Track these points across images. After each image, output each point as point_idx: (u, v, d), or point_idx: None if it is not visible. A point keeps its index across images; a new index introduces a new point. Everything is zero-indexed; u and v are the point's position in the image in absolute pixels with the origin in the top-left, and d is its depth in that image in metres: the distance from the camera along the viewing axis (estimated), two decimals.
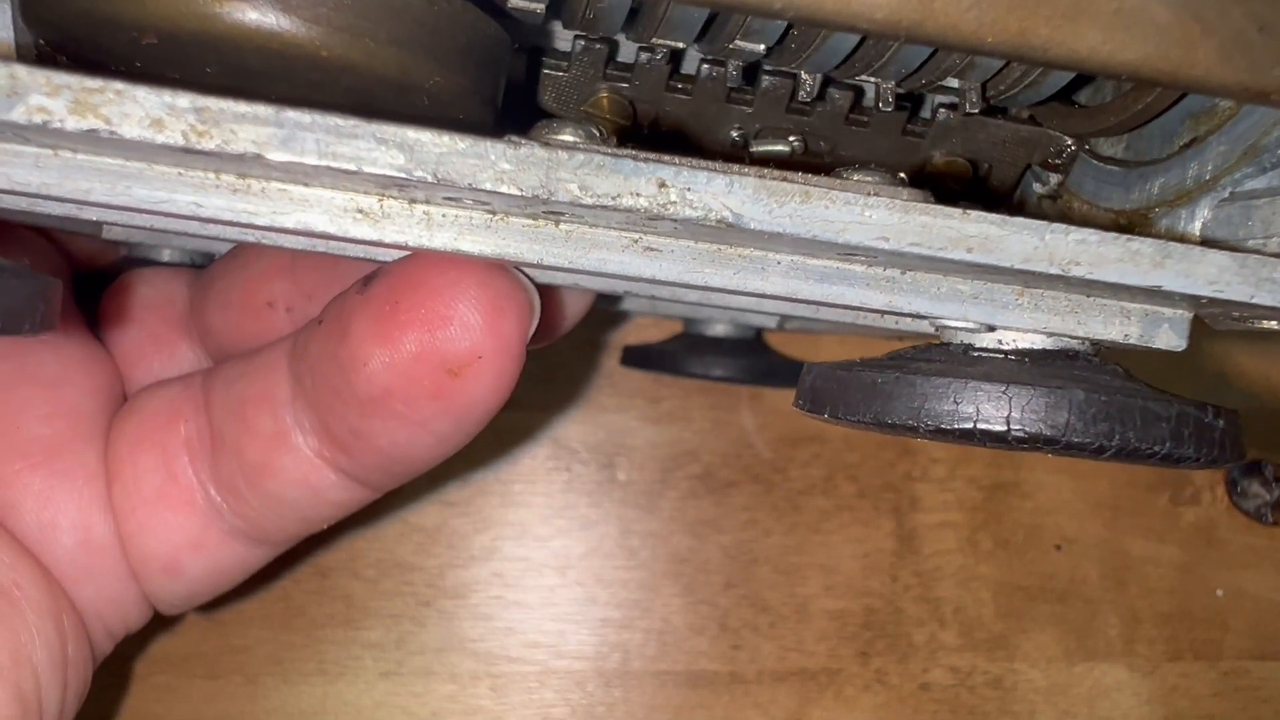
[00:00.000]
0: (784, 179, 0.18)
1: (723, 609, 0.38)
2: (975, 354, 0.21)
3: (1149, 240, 0.19)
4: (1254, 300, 0.19)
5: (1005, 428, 0.18)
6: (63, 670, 0.26)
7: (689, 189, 0.17)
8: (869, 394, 0.20)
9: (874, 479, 0.39)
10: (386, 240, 0.18)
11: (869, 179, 0.19)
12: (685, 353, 0.36)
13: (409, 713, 0.37)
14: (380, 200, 0.18)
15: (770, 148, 0.27)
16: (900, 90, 0.23)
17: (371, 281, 0.22)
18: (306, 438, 0.24)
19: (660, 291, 0.23)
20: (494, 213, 0.18)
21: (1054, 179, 0.28)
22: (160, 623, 0.36)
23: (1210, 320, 0.21)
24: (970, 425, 0.18)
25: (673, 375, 0.37)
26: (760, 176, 0.18)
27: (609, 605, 0.38)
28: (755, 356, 0.36)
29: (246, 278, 0.28)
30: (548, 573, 0.38)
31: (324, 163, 0.17)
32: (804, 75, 0.24)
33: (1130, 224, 0.26)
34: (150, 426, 0.26)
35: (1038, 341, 0.21)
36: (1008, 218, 0.18)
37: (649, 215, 0.18)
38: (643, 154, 0.18)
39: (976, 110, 0.23)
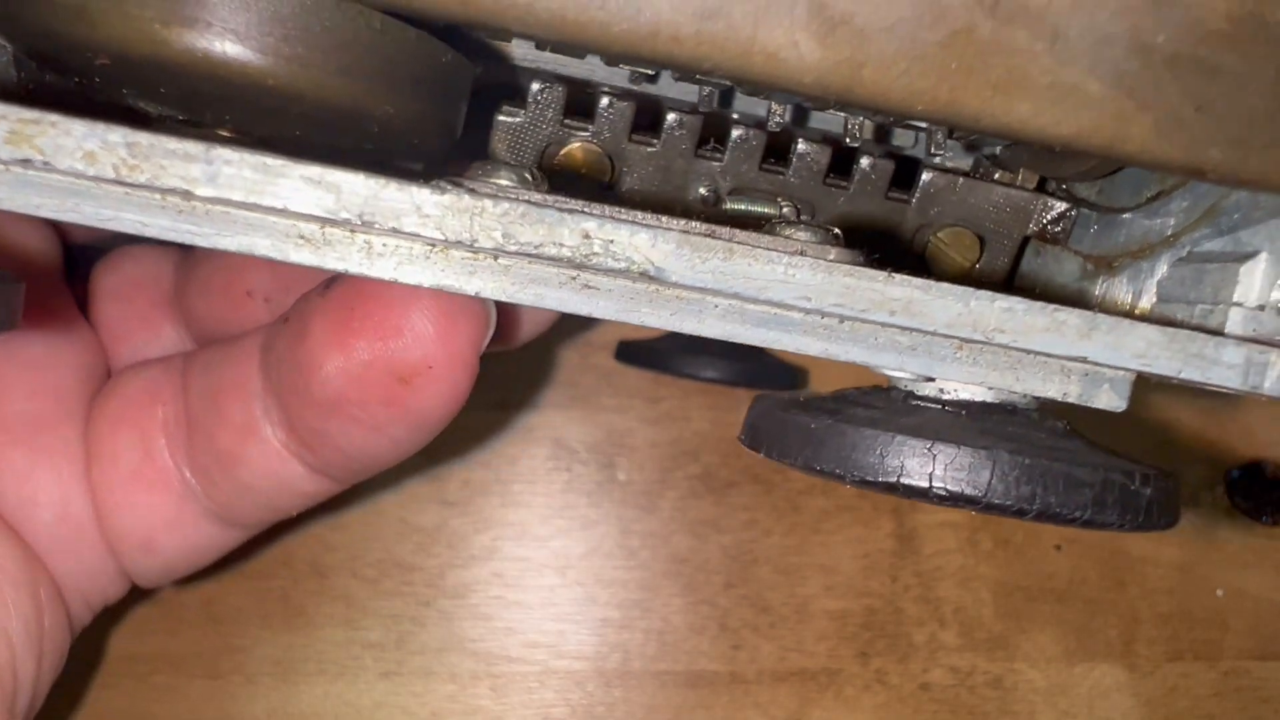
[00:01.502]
0: (710, 234, 0.19)
1: (723, 609, 0.38)
2: (914, 403, 0.21)
3: (1076, 311, 0.19)
4: (1181, 375, 0.19)
5: (928, 484, 0.18)
6: (39, 642, 0.26)
7: (612, 241, 0.18)
8: (801, 438, 0.20)
9: None
10: (327, 267, 0.19)
11: (802, 236, 0.19)
12: (679, 352, 0.36)
13: (409, 713, 0.37)
14: (322, 228, 0.18)
15: (751, 207, 0.26)
16: (871, 123, 0.23)
17: (333, 285, 0.22)
18: (275, 430, 0.25)
19: None
20: (433, 245, 0.19)
21: None
22: (160, 622, 0.36)
23: (1153, 378, 0.21)
24: (894, 480, 0.19)
25: (663, 374, 0.37)
26: (684, 231, 0.18)
27: (609, 605, 0.38)
28: (749, 360, 0.36)
29: (228, 265, 0.28)
30: (548, 573, 0.38)
31: (251, 199, 0.17)
32: (774, 106, 0.24)
33: (1095, 269, 0.26)
34: (130, 406, 0.27)
35: (979, 393, 0.21)
36: (932, 283, 0.19)
37: (573, 264, 0.18)
38: (568, 203, 0.19)
39: (942, 152, 0.23)
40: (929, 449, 0.18)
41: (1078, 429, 0.21)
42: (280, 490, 0.26)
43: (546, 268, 0.19)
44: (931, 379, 0.21)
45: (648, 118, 0.26)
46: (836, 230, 0.20)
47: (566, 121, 0.25)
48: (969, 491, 0.18)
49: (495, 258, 0.19)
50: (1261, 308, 0.21)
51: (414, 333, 0.21)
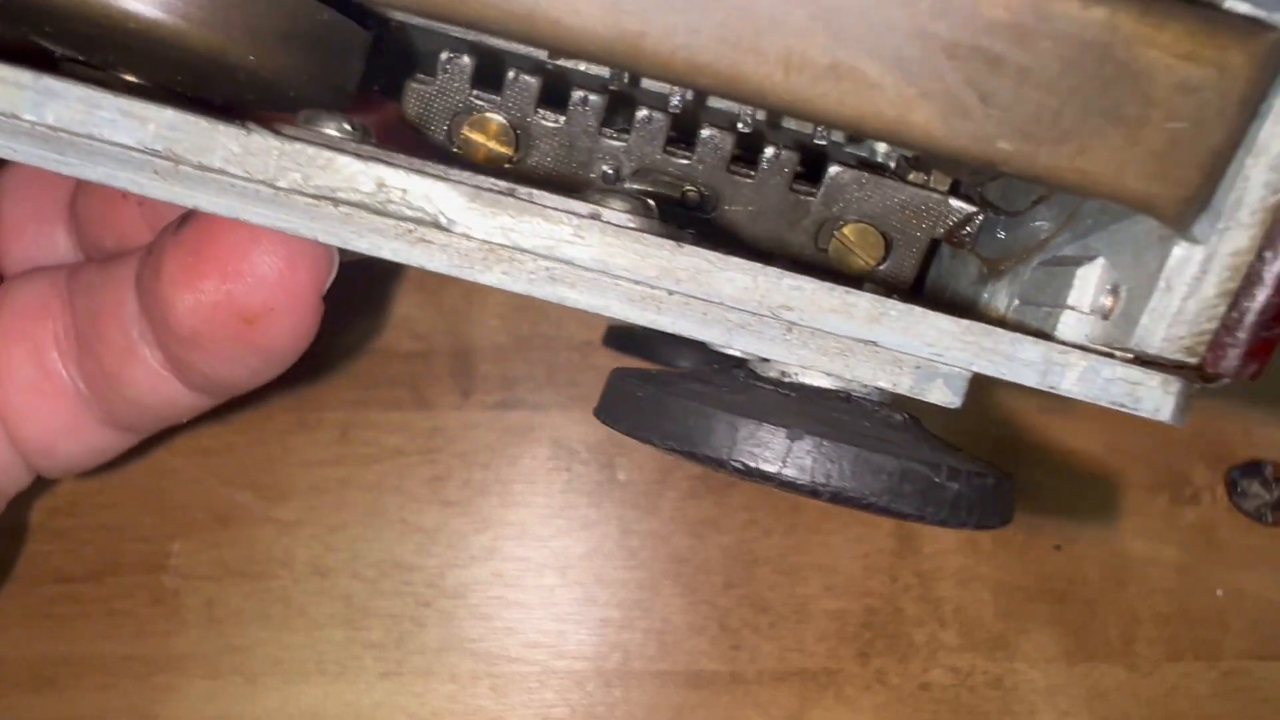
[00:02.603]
0: (509, 192, 0.19)
1: (723, 609, 0.38)
2: (752, 382, 0.21)
3: (866, 295, 0.19)
4: (972, 369, 0.19)
5: (726, 456, 0.19)
6: None
7: (405, 190, 0.19)
8: (629, 407, 0.20)
9: None
10: (178, 201, 0.19)
11: (614, 203, 0.20)
12: (665, 341, 0.36)
13: (409, 713, 0.37)
14: (176, 165, 0.19)
15: (654, 190, 0.26)
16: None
17: (185, 223, 0.23)
18: (152, 352, 0.25)
19: None
20: (275, 189, 0.19)
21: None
22: (160, 622, 0.36)
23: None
24: (696, 450, 0.19)
25: (648, 361, 0.37)
26: (477, 186, 0.19)
27: (609, 605, 0.38)
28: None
29: None
30: (548, 573, 0.38)
31: (69, 127, 0.18)
32: (674, 88, 0.24)
33: (989, 273, 0.25)
34: (23, 320, 0.27)
35: (818, 379, 0.21)
36: (723, 256, 0.19)
37: (370, 210, 0.19)
38: (371, 150, 0.19)
39: (825, 140, 0.22)
40: (731, 423, 0.19)
41: (919, 421, 0.21)
42: (166, 405, 0.27)
43: (387, 219, 0.19)
44: (767, 360, 0.21)
45: (561, 92, 0.26)
46: (650, 201, 0.20)
47: (475, 92, 0.25)
48: (764, 468, 0.18)
49: (335, 204, 0.19)
50: (1092, 312, 0.20)
51: (255, 276, 0.22)
